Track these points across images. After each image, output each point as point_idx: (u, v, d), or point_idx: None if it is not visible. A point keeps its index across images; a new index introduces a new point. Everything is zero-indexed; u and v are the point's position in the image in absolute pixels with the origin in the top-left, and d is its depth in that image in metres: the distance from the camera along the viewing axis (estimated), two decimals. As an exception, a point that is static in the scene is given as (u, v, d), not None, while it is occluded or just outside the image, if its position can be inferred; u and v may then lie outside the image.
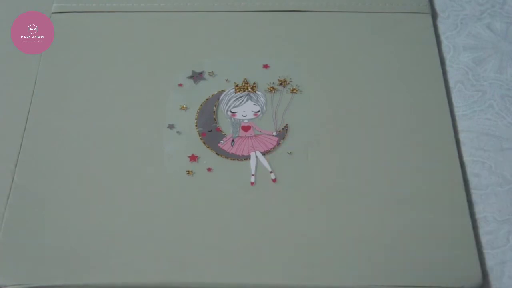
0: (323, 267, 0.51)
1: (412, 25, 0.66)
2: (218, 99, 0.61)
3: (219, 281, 0.51)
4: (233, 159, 0.57)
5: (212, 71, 0.62)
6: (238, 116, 0.60)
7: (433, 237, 0.52)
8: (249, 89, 0.61)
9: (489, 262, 0.53)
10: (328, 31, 0.66)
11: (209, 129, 0.59)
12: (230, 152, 0.57)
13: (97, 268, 0.51)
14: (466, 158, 0.58)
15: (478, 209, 0.55)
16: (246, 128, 0.59)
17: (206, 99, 0.61)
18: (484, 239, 0.54)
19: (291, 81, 0.62)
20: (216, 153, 0.57)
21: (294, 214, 0.54)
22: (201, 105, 0.60)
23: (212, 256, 0.52)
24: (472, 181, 0.57)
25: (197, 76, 0.62)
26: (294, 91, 0.61)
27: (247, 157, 0.57)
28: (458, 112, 0.61)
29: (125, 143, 0.57)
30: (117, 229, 0.53)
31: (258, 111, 0.60)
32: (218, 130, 0.59)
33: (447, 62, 0.65)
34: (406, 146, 0.57)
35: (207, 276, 0.51)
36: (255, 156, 0.57)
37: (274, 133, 0.58)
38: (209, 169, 0.56)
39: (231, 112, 0.60)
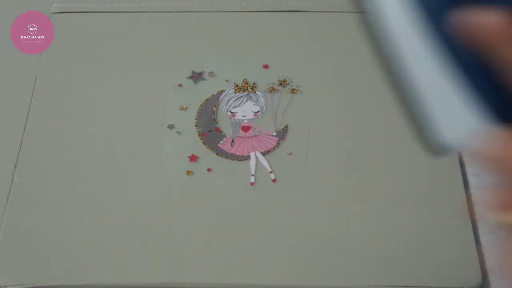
0: (323, 267, 0.51)
1: (412, 25, 0.66)
2: (218, 99, 0.61)
3: (219, 281, 0.51)
4: (233, 159, 0.57)
5: (212, 71, 0.62)
6: (238, 116, 0.60)
7: (433, 237, 0.52)
8: (249, 89, 0.61)
9: (489, 262, 0.53)
10: (328, 31, 0.66)
11: (209, 129, 0.59)
12: (230, 152, 0.57)
13: (97, 268, 0.51)
14: (466, 158, 0.58)
15: (478, 209, 0.55)
16: (246, 128, 0.59)
17: (206, 99, 0.60)
18: (484, 239, 0.54)
19: (291, 81, 0.61)
20: (216, 153, 0.57)
21: (294, 214, 0.54)
22: (201, 105, 0.60)
23: (212, 256, 0.51)
24: (472, 181, 0.57)
25: (197, 76, 0.62)
26: (294, 91, 0.61)
27: (247, 157, 0.57)
28: (458, 112, 0.61)
29: (125, 143, 0.57)
30: (116, 229, 0.53)
31: (258, 111, 0.60)
32: (218, 130, 0.59)
33: (447, 62, 0.65)
34: (406, 146, 0.57)
35: (207, 276, 0.51)
36: (255, 156, 0.57)
37: (274, 133, 0.58)
38: (209, 169, 0.56)
39: (231, 112, 0.60)
